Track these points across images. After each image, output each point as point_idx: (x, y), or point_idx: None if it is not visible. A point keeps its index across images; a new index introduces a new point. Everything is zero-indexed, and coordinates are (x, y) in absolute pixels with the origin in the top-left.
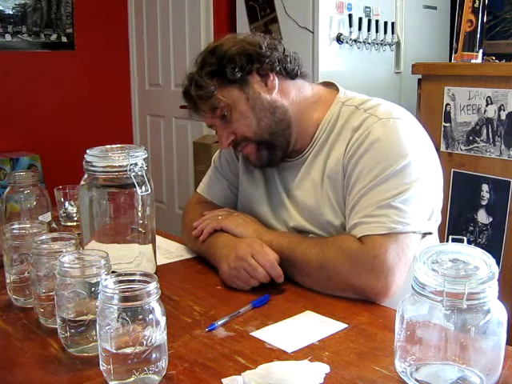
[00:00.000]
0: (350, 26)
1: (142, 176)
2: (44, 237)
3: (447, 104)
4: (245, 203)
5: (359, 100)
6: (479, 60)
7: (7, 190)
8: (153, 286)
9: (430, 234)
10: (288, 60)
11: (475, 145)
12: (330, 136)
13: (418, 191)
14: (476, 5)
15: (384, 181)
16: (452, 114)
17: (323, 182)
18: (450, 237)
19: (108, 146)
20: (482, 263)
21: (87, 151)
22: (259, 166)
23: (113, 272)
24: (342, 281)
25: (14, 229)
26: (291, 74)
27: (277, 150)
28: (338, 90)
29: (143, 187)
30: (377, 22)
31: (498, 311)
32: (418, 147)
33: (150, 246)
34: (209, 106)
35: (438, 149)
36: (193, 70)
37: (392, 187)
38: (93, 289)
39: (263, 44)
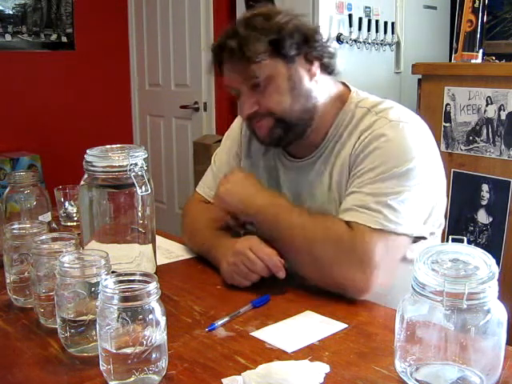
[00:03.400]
0: (350, 25)
1: (142, 176)
2: (44, 237)
3: (447, 104)
4: None
5: (372, 102)
6: (479, 60)
7: (7, 190)
8: (153, 286)
9: (424, 238)
10: (333, 55)
11: (475, 145)
12: (341, 138)
13: (416, 195)
14: (476, 5)
15: (385, 179)
16: (452, 114)
17: (331, 184)
18: (450, 237)
19: (108, 146)
20: (482, 263)
21: (87, 151)
22: (267, 142)
23: (113, 272)
24: (322, 264)
25: (14, 229)
26: (328, 70)
27: (290, 132)
28: (348, 88)
29: (143, 187)
30: (377, 22)
31: (498, 311)
32: (424, 153)
33: (150, 246)
34: (247, 70)
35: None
36: (241, 29)
37: (391, 186)
38: (93, 289)
39: (320, 31)
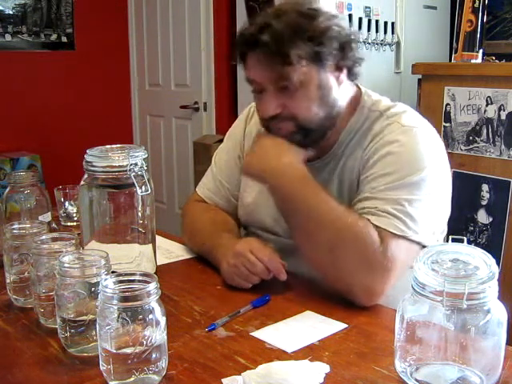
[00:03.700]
0: (350, 26)
1: (142, 176)
2: (44, 237)
3: (447, 104)
4: (246, 208)
5: (384, 106)
6: (479, 60)
7: (7, 190)
8: (153, 286)
9: None
10: (361, 63)
11: (475, 145)
12: (353, 141)
13: (428, 205)
14: (476, 5)
15: (399, 187)
16: (452, 114)
17: (342, 186)
18: (450, 237)
19: (108, 146)
20: (482, 263)
21: (87, 151)
22: None
23: (113, 272)
24: (337, 256)
25: (14, 229)
26: (353, 77)
27: (308, 138)
28: (358, 88)
29: (143, 187)
30: (377, 21)
31: (498, 311)
32: (435, 162)
33: (150, 246)
34: (280, 70)
35: None
36: (275, 23)
37: (406, 194)
38: (93, 289)
39: (356, 38)
